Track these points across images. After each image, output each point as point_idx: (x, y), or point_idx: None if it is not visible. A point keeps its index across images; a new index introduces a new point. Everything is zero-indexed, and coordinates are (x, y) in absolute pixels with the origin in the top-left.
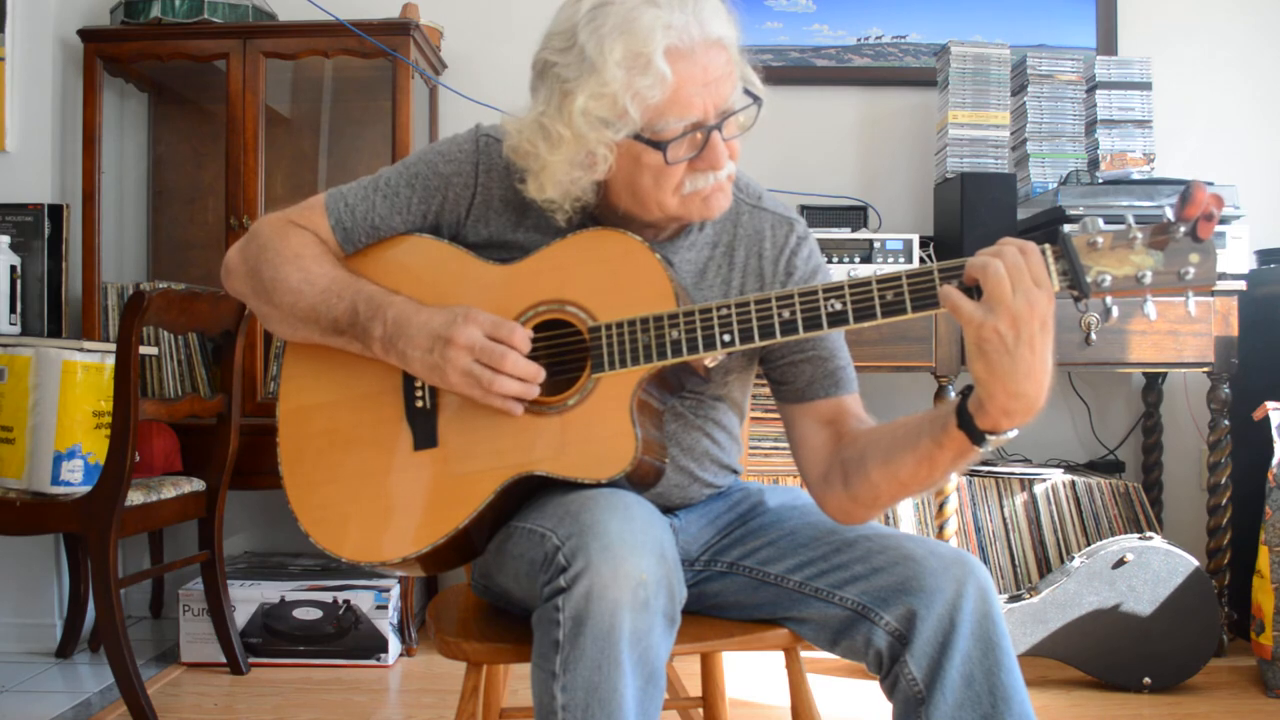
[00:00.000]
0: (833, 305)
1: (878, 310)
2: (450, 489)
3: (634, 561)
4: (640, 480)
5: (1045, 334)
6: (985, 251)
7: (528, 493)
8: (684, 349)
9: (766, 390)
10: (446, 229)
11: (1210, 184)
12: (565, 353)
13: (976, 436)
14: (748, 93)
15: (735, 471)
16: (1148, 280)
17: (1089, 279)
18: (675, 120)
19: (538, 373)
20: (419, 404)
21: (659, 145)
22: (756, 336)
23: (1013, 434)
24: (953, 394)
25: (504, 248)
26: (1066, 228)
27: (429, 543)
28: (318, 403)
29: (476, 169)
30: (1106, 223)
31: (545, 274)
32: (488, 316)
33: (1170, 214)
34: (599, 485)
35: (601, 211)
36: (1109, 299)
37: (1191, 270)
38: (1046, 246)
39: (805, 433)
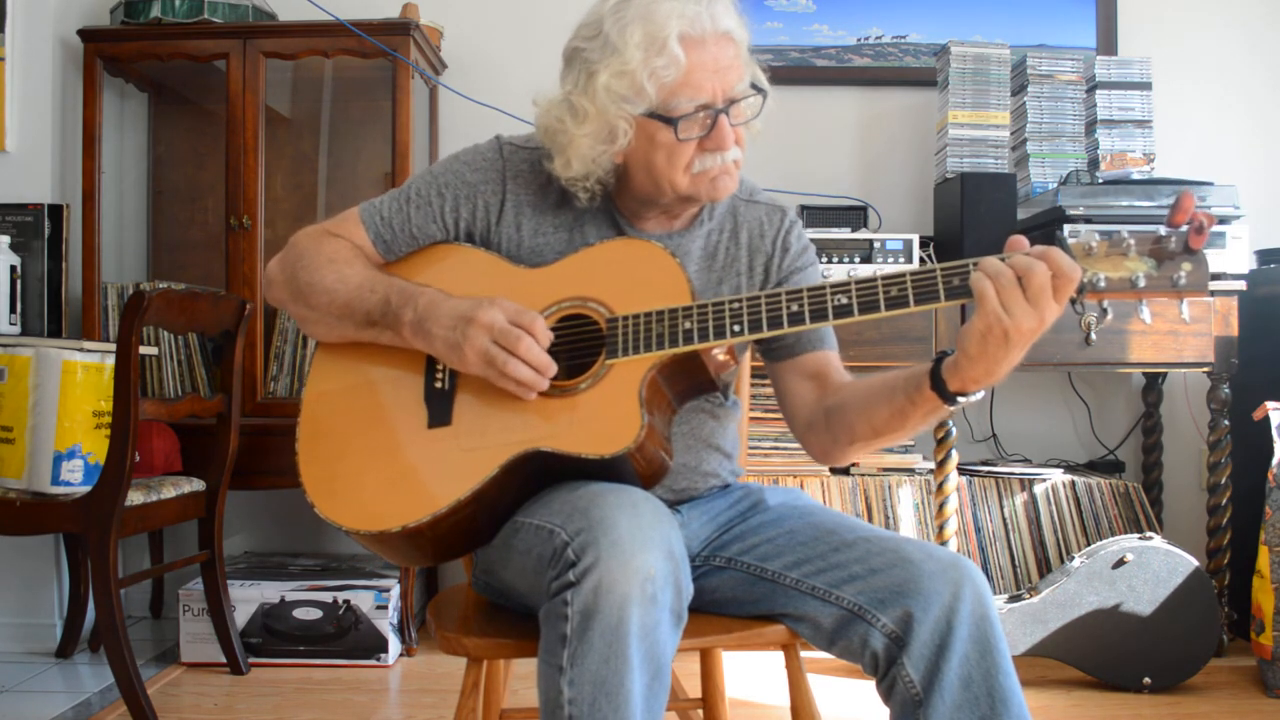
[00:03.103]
0: (839, 300)
1: (882, 303)
2: (457, 463)
3: (642, 557)
4: (645, 466)
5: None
6: (1020, 260)
7: (536, 474)
8: (695, 337)
9: (766, 391)
10: (478, 234)
11: (1210, 184)
12: (583, 342)
13: (948, 398)
14: (754, 86)
15: (735, 471)
16: (1141, 284)
17: (1085, 279)
18: (686, 100)
19: (549, 365)
20: (438, 385)
21: (671, 121)
22: (765, 326)
23: (979, 395)
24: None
25: (535, 251)
26: (1064, 230)
27: (429, 513)
28: (340, 387)
29: (503, 176)
30: (1102, 234)
31: (570, 276)
32: (512, 304)
33: (1162, 227)
34: (603, 461)
35: (616, 199)
36: (1105, 301)
37: (1184, 276)
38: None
39: (793, 387)
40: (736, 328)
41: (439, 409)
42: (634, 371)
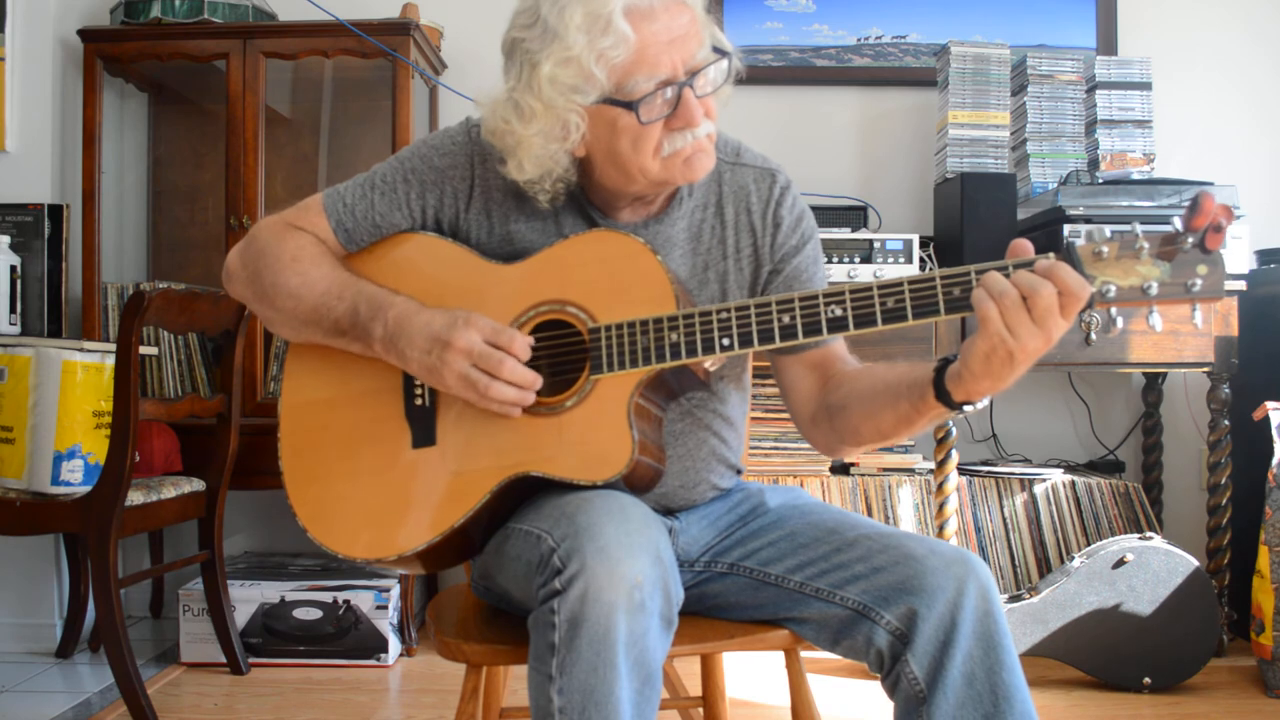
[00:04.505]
0: (833, 311)
1: (878, 317)
2: (447, 487)
3: (629, 564)
4: (637, 483)
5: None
6: (1025, 279)
7: (525, 492)
8: (683, 352)
9: (766, 391)
10: (447, 223)
11: (1210, 184)
12: (565, 353)
13: (954, 406)
14: (716, 50)
15: (738, 471)
16: (1154, 292)
17: (1094, 289)
18: (644, 79)
19: (534, 380)
20: (419, 402)
21: (630, 105)
22: (756, 340)
23: (986, 402)
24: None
25: (506, 239)
26: (1068, 230)
27: (425, 540)
28: (319, 399)
29: (472, 160)
30: (1112, 229)
31: (547, 274)
32: (488, 322)
33: (1179, 224)
34: (595, 487)
35: (586, 189)
36: (1114, 309)
37: (1199, 282)
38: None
39: (795, 380)
40: (725, 341)
41: (422, 428)
42: (621, 388)
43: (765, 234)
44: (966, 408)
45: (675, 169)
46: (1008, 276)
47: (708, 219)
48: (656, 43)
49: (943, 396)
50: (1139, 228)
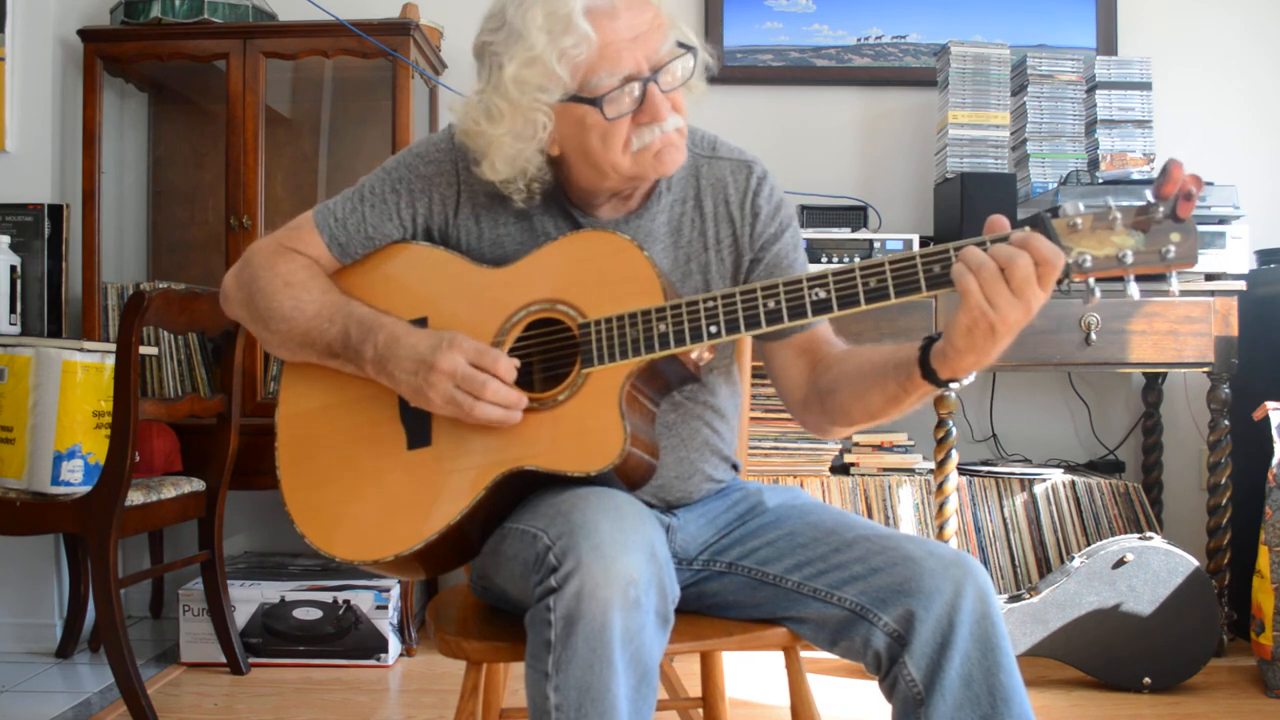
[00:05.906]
0: (817, 294)
1: (861, 297)
2: (443, 486)
3: (625, 561)
4: (630, 474)
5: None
6: (1001, 250)
7: (521, 489)
8: (671, 341)
9: (765, 390)
10: (437, 229)
11: (1210, 184)
12: (556, 350)
13: (941, 384)
14: (681, 45)
15: (734, 466)
16: (1129, 260)
17: (1070, 260)
18: (607, 76)
19: (519, 400)
20: (413, 404)
21: (595, 102)
22: (743, 327)
23: (972, 378)
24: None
25: (495, 242)
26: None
27: (421, 539)
28: (315, 407)
29: (456, 166)
30: (1086, 204)
31: (536, 275)
32: (472, 344)
33: (1150, 195)
34: (589, 477)
35: (565, 188)
36: (1091, 280)
37: (1173, 249)
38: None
39: (784, 364)
40: (713, 329)
41: (417, 429)
42: (612, 380)
43: (744, 224)
44: (953, 384)
45: (646, 163)
46: (985, 251)
47: (687, 212)
48: (618, 40)
49: (929, 374)
50: (1111, 200)
